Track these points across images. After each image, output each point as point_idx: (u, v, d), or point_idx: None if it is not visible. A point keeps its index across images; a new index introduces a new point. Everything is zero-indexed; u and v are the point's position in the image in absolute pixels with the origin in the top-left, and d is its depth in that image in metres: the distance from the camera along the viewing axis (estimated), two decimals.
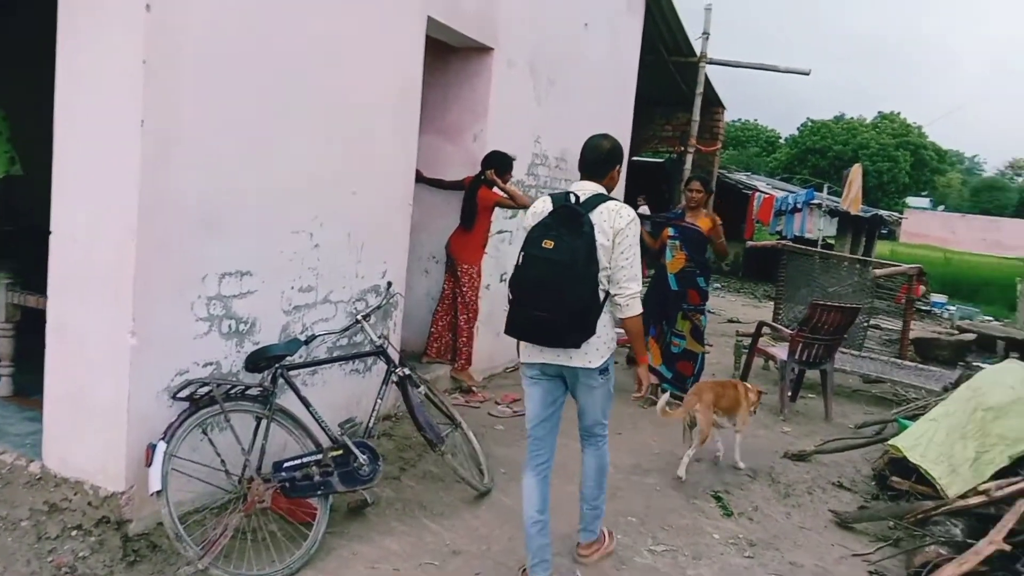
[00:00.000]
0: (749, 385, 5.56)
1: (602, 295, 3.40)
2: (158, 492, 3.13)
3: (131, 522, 3.36)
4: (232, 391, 3.49)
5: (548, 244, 3.28)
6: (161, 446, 3.19)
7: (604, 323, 3.43)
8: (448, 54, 6.19)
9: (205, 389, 3.40)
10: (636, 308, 3.43)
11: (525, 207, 6.35)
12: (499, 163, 6.10)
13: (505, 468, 4.84)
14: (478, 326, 6.38)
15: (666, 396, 5.12)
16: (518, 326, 3.41)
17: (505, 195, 6.12)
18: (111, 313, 3.28)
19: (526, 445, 3.62)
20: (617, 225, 3.37)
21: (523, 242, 3.41)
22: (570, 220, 3.33)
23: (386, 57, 4.72)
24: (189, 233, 3.45)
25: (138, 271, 3.24)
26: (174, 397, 3.42)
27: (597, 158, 3.59)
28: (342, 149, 4.38)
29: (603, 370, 3.49)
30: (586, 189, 3.51)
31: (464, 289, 6.14)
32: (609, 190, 3.58)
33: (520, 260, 3.36)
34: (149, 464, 3.16)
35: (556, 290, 3.24)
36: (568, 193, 3.47)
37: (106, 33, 3.21)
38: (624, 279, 3.39)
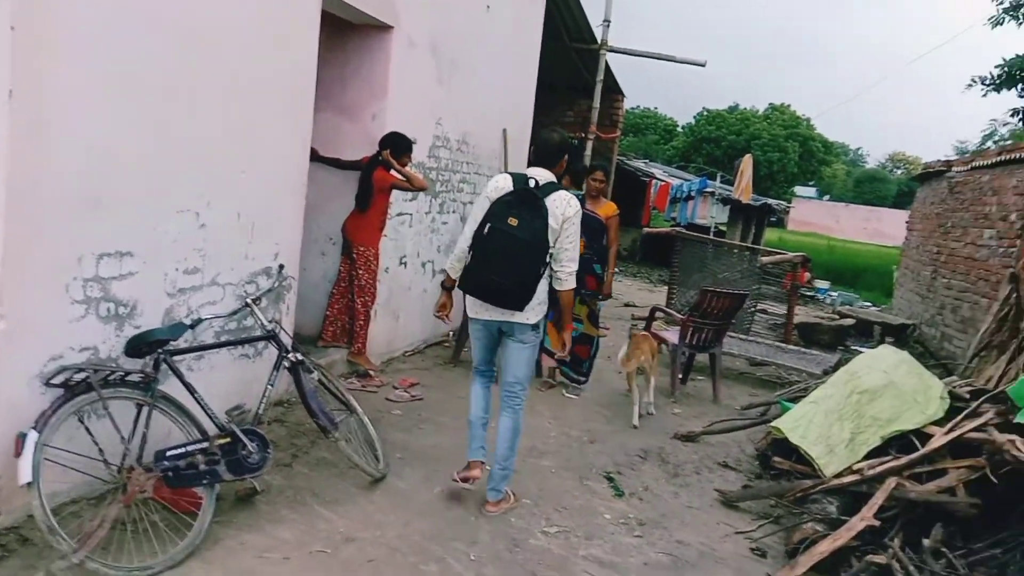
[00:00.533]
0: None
1: (543, 269, 4.00)
2: (28, 484, 2.96)
3: None
4: (111, 377, 3.33)
5: (513, 221, 3.88)
6: (32, 435, 3.01)
7: (541, 288, 4.03)
8: (346, 30, 6.04)
9: (81, 375, 3.24)
10: (571, 283, 4.11)
11: (423, 189, 6.29)
12: (395, 144, 6.00)
13: (401, 453, 4.82)
14: (376, 310, 6.30)
15: (625, 348, 6.35)
16: (473, 286, 4.03)
17: (402, 177, 6.03)
18: None
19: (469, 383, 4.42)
20: (566, 214, 4.00)
21: (487, 214, 3.97)
22: (531, 203, 3.94)
23: (278, 31, 4.57)
24: (64, 212, 3.26)
25: (7, 252, 3.04)
26: (47, 384, 3.23)
27: (549, 149, 4.20)
28: (230, 126, 4.22)
29: (535, 327, 4.14)
30: (541, 175, 4.09)
31: (360, 272, 6.03)
32: (558, 176, 4.20)
33: (486, 231, 3.93)
34: (18, 454, 2.98)
35: (513, 262, 3.89)
36: (527, 177, 4.05)
37: None
38: (566, 259, 4.04)
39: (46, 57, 3.09)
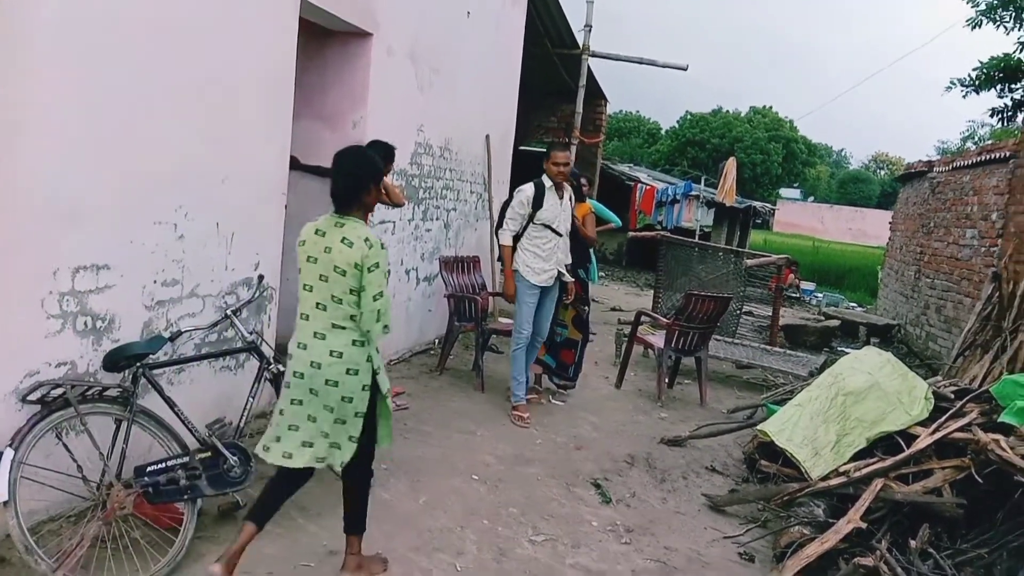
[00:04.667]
0: None
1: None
2: (4, 502, 2.92)
3: None
4: (88, 392, 3.29)
5: None
6: (8, 453, 2.97)
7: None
8: (326, 38, 6.01)
9: (58, 391, 3.19)
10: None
11: (399, 206, 6.23)
12: (380, 153, 5.94)
13: (386, 463, 4.76)
14: None
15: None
16: None
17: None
18: None
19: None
20: None
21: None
22: None
23: (255, 38, 4.53)
24: (38, 225, 3.21)
25: None
26: (23, 400, 3.18)
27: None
28: (208, 135, 4.18)
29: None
30: None
31: None
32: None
33: None
34: None
35: None
36: None
37: None
38: None
39: (18, 67, 3.04)
